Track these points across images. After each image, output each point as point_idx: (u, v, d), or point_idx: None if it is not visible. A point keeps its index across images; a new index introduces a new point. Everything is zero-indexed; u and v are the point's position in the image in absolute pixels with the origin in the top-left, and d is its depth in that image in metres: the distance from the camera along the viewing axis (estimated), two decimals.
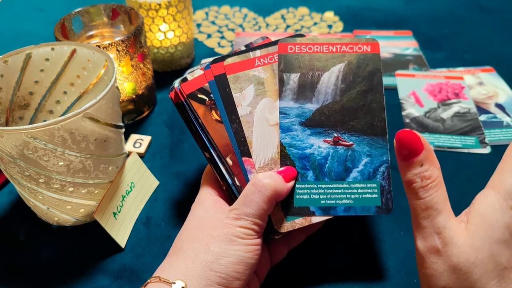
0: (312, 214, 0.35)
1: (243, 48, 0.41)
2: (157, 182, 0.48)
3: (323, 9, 0.84)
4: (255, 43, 0.42)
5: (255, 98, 0.38)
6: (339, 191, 0.35)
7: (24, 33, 0.77)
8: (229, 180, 0.36)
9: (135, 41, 0.50)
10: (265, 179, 0.33)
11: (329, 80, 0.38)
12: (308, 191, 0.36)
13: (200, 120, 0.37)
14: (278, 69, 0.39)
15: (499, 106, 0.59)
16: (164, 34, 0.61)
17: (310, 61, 0.39)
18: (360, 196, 0.35)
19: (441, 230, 0.28)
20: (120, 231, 0.41)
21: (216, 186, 0.37)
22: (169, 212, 0.45)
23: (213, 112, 0.37)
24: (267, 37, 0.42)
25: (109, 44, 0.47)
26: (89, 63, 0.43)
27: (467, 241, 0.27)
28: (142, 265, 0.40)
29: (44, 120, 0.45)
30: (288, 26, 0.79)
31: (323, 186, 0.36)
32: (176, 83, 0.39)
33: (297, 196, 0.35)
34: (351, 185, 0.36)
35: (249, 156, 0.36)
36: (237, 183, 0.36)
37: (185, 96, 0.37)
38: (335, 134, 0.37)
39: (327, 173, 0.36)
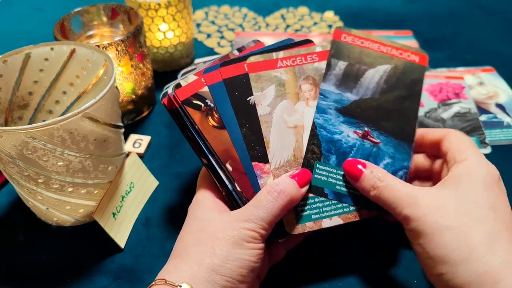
0: (325, 196, 0.36)
1: (236, 54, 0.41)
2: (156, 182, 0.48)
3: (323, 9, 0.84)
4: (247, 46, 0.42)
5: (275, 98, 0.38)
6: None
7: (24, 33, 0.77)
8: (229, 186, 0.36)
9: (135, 41, 0.50)
10: (280, 187, 0.33)
11: (373, 77, 0.40)
12: (327, 174, 0.36)
13: (197, 127, 0.37)
14: (329, 53, 0.40)
15: (500, 106, 0.59)
16: (163, 34, 0.61)
17: (360, 54, 0.41)
18: None
19: (413, 200, 0.31)
20: (120, 231, 0.41)
21: (214, 189, 0.36)
22: (169, 213, 0.45)
23: (209, 118, 0.37)
24: (258, 41, 0.42)
25: (108, 44, 0.47)
26: (89, 63, 0.43)
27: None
28: (142, 265, 0.40)
29: (44, 120, 0.45)
30: (288, 26, 0.79)
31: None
32: (170, 89, 0.38)
33: (316, 176, 0.36)
34: None
35: (259, 160, 0.36)
36: (238, 188, 0.35)
37: (180, 102, 0.37)
38: (366, 128, 0.38)
39: None
